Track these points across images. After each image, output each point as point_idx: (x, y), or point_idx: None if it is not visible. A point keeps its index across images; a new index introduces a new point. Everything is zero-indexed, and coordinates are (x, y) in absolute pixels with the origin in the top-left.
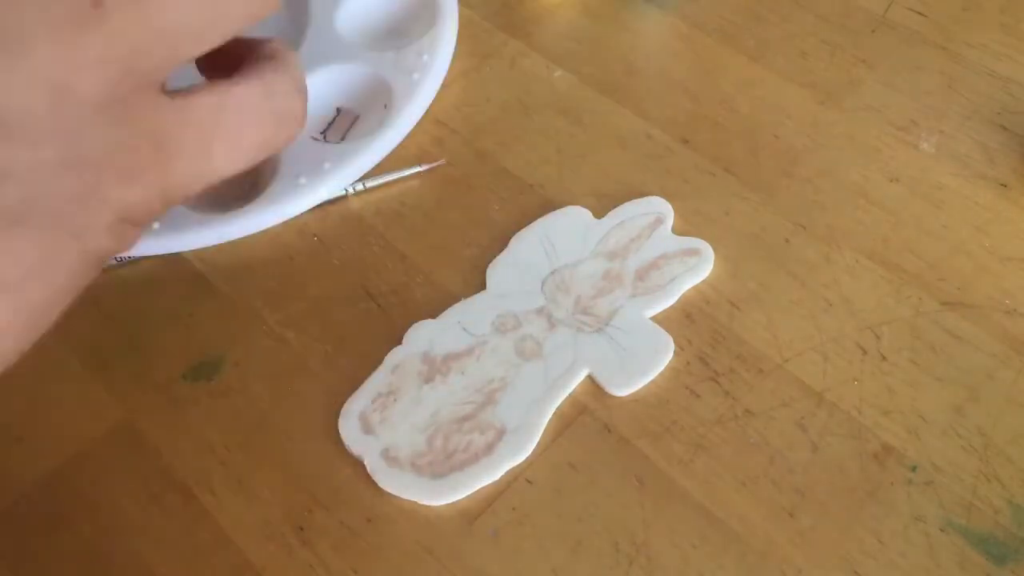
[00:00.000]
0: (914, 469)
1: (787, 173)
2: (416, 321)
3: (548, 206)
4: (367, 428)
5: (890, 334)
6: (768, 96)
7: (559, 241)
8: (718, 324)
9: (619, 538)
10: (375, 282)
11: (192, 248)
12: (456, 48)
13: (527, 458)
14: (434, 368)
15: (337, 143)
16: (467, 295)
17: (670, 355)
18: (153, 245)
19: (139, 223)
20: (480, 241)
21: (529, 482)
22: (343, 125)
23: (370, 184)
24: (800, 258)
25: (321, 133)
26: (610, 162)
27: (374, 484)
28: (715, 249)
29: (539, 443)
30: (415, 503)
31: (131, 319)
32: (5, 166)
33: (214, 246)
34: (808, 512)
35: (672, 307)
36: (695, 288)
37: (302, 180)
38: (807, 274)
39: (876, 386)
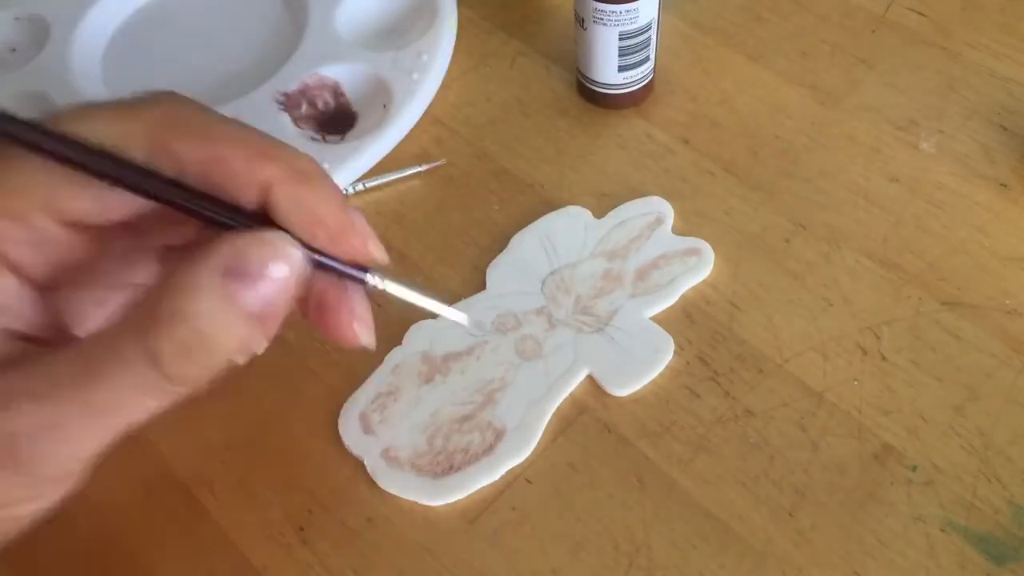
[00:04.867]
0: (914, 469)
1: (787, 173)
2: (416, 321)
3: (548, 206)
4: (367, 428)
5: (890, 334)
6: (768, 96)
7: (559, 241)
8: (718, 324)
9: (619, 538)
10: None
11: None
12: (456, 48)
13: (527, 458)
14: (434, 368)
15: (337, 143)
16: (467, 295)
17: (670, 355)
18: None
19: None
20: (480, 241)
21: (529, 482)
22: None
23: (370, 184)
24: (800, 258)
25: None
26: (610, 162)
27: (374, 484)
28: (715, 249)
29: (539, 443)
30: (415, 503)
31: None
32: None
33: None
34: (808, 512)
35: (672, 307)
36: (695, 288)
37: None
38: (807, 274)
39: (876, 386)
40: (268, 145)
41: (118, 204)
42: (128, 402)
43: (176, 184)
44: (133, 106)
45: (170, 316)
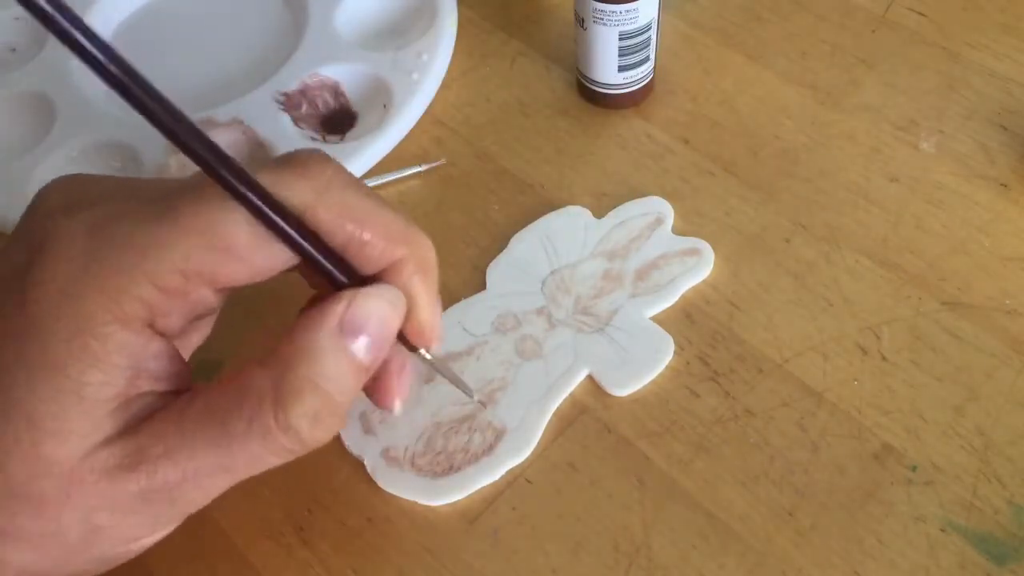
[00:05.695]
0: (914, 469)
1: (787, 173)
2: None
3: (548, 206)
4: (367, 428)
5: (890, 334)
6: (768, 96)
7: (559, 241)
8: (718, 324)
9: (619, 538)
10: None
11: None
12: (456, 48)
13: (527, 458)
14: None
15: (337, 143)
16: (467, 295)
17: (670, 355)
18: None
19: None
20: (480, 241)
21: (529, 482)
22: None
23: (370, 184)
24: (800, 258)
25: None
26: (610, 162)
27: (374, 484)
28: (715, 249)
29: (539, 443)
30: (415, 503)
31: None
32: None
33: None
34: (808, 512)
35: (672, 307)
36: (695, 288)
37: None
38: (807, 274)
39: (876, 386)
40: (405, 231)
41: (268, 268)
42: (261, 463)
43: (325, 246)
44: (301, 170)
45: (300, 387)
